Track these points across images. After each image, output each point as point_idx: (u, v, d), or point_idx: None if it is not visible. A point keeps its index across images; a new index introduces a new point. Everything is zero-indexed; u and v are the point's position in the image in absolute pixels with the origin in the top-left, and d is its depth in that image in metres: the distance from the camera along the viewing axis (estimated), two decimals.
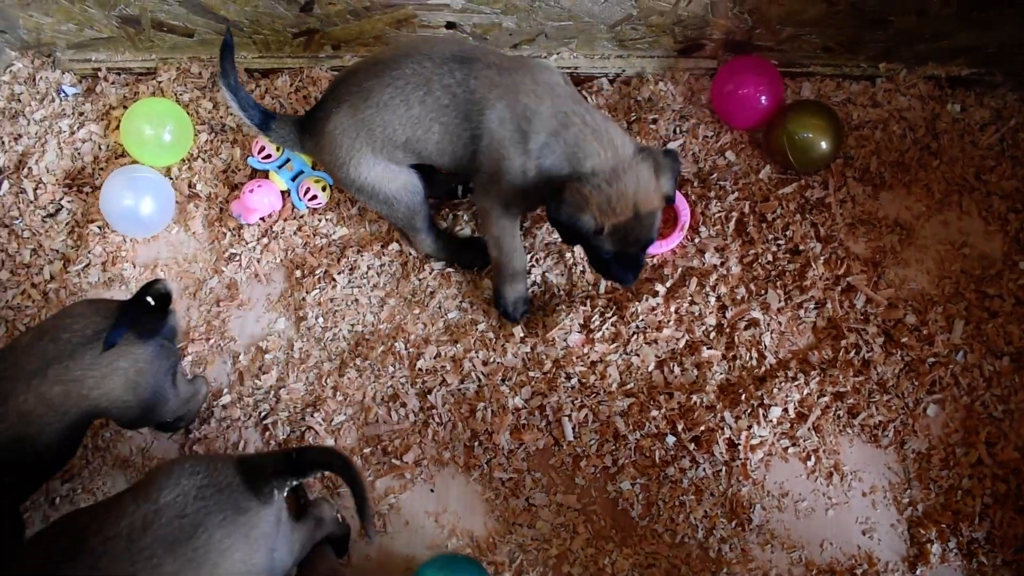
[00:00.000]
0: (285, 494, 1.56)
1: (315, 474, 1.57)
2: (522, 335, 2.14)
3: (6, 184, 2.28)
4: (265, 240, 2.24)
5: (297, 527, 1.73)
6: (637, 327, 2.12)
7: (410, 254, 2.22)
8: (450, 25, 2.28)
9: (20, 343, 1.73)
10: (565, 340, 2.12)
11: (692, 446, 2.02)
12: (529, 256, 2.20)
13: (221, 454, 1.62)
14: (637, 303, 2.12)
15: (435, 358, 2.13)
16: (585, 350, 2.11)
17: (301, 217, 2.26)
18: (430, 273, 2.21)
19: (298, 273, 2.22)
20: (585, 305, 2.15)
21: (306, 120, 2.05)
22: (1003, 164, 2.27)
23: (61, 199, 2.30)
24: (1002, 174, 2.26)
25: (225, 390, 2.13)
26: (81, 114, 2.37)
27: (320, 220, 2.25)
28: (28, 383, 1.67)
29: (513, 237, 2.03)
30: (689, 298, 2.15)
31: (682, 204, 2.23)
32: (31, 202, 2.29)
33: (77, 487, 2.05)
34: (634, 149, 1.84)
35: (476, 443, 2.08)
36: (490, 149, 1.88)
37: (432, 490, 2.06)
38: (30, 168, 2.31)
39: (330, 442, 2.07)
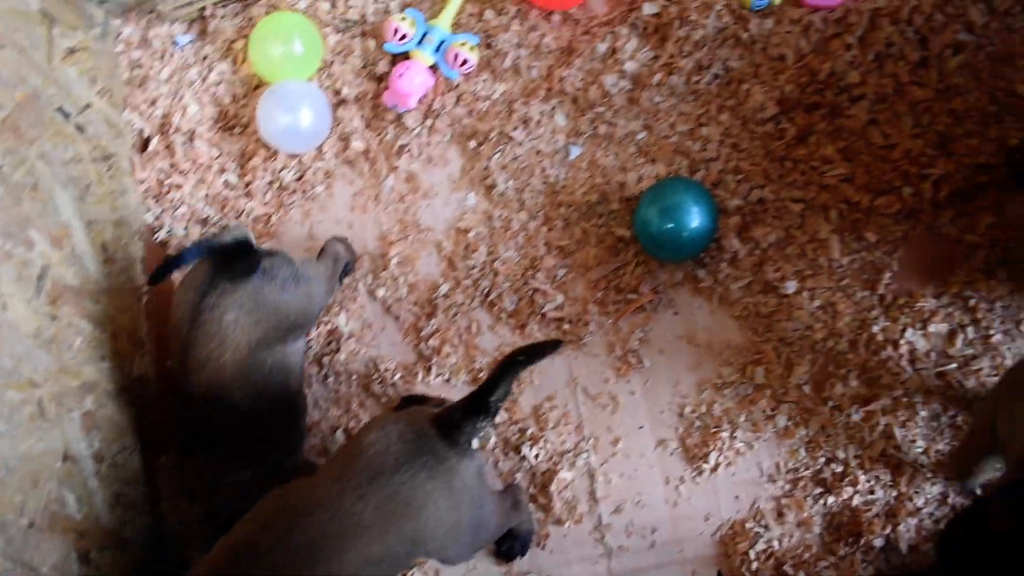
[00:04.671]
0: (480, 442, 1.53)
1: (502, 405, 1.53)
2: None
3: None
4: (429, 121, 2.15)
5: (498, 496, 1.74)
6: None
7: (578, 89, 2.10)
8: None
9: None
10: None
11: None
12: None
13: (417, 410, 1.61)
14: None
15: (637, 183, 2.04)
16: None
17: (457, 86, 2.15)
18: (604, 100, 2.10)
19: (472, 143, 2.13)
20: None
21: None
22: None
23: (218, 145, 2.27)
24: None
25: (440, 280, 2.10)
26: (205, 58, 2.29)
27: (477, 84, 2.14)
28: None
29: None
30: None
31: None
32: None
33: None
34: None
35: (707, 256, 2.00)
36: None
37: (676, 312, 2.01)
38: (177, 126, 2.27)
39: (560, 298, 2.04)
